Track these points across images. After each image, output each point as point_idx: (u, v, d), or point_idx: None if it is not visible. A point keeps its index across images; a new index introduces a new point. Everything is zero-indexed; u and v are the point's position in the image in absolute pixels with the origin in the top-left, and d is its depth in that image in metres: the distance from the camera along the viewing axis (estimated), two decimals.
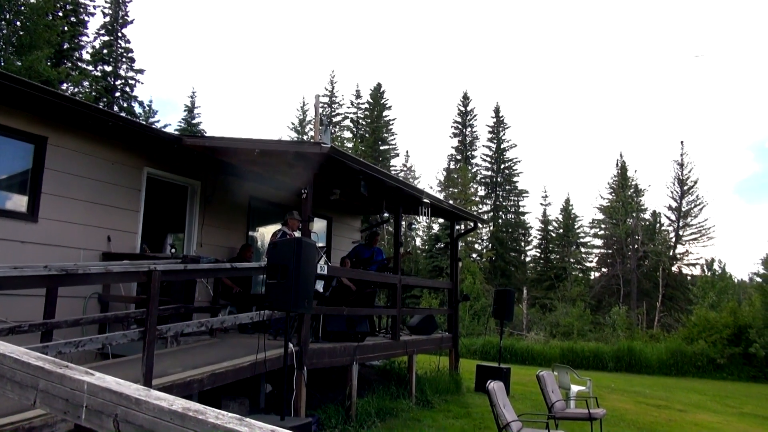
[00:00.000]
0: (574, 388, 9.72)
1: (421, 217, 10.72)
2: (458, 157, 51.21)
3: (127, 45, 36.08)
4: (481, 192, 49.90)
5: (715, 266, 31.07)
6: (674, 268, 40.77)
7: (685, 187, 42.34)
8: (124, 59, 36.03)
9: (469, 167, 49.39)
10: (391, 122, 51.11)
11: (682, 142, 56.94)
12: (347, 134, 50.73)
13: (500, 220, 48.83)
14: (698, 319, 21.27)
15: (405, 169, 50.93)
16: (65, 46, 31.89)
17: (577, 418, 7.97)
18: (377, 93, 51.20)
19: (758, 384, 18.01)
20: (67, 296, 6.82)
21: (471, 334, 25.12)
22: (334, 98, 51.10)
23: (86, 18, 33.87)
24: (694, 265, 40.54)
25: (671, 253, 41.48)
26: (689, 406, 12.23)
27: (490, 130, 50.91)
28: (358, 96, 52.11)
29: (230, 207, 10.44)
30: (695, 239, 41.79)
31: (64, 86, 28.48)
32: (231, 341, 7.99)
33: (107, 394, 1.79)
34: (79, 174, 7.77)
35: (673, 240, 42.35)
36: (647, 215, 43.64)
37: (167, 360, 6.26)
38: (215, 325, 7.18)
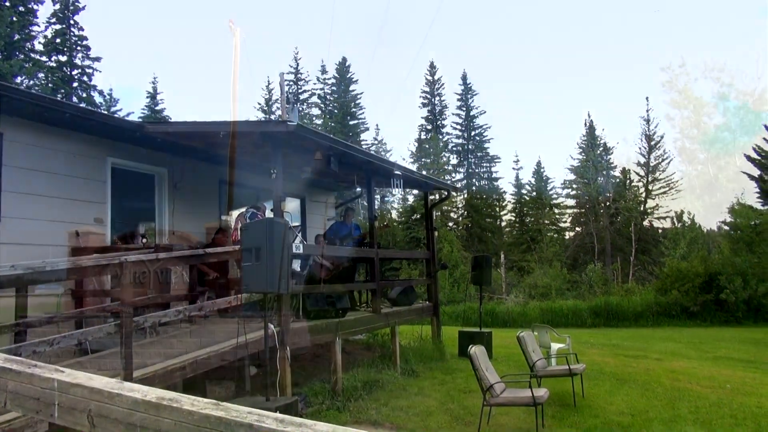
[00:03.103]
0: (554, 346, 9.92)
1: (394, 189, 10.71)
2: (429, 127, 51.10)
3: (81, 33, 34.98)
4: (454, 160, 50.08)
5: (685, 218, 31.80)
6: (645, 223, 41.66)
7: (653, 143, 43.02)
8: (78, 47, 34.91)
9: (440, 136, 49.38)
10: (358, 96, 50.65)
11: (647, 98, 57.40)
12: (315, 111, 50.20)
13: (474, 188, 49.13)
14: (671, 270, 21.88)
15: (376, 142, 50.74)
16: (15, 38, 30.69)
17: (559, 375, 8.17)
18: (342, 68, 50.55)
19: (730, 328, 18.69)
20: (38, 295, 6.69)
21: (452, 301, 25.44)
22: (299, 75, 50.39)
23: (35, 6, 32.61)
24: (664, 218, 41.48)
25: (642, 208, 42.32)
26: (665, 355, 12.62)
27: (459, 98, 50.86)
28: (323, 72, 51.43)
29: (200, 192, 10.28)
30: (664, 193, 42.67)
31: (18, 79, 27.52)
32: (211, 327, 7.93)
33: (79, 390, 1.75)
34: (41, 169, 7.57)
35: (643, 195, 43.16)
36: (617, 172, 44.36)
37: (148, 350, 6.21)
38: (193, 312, 7.12)
